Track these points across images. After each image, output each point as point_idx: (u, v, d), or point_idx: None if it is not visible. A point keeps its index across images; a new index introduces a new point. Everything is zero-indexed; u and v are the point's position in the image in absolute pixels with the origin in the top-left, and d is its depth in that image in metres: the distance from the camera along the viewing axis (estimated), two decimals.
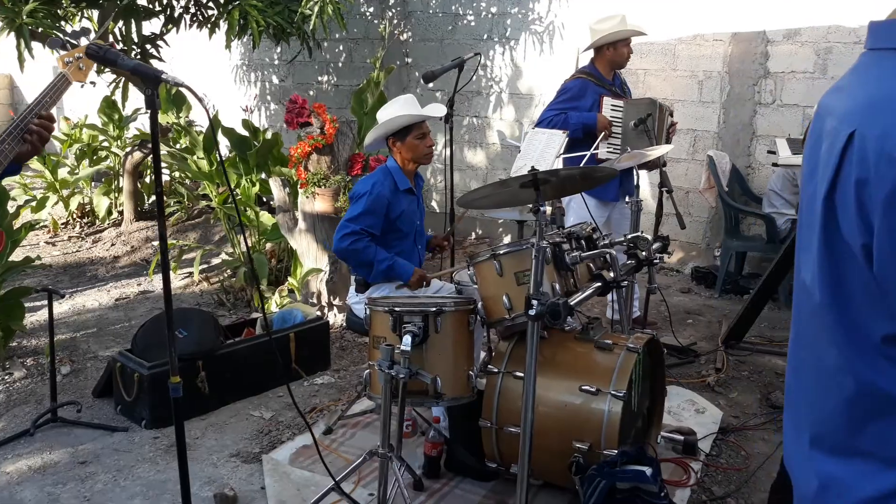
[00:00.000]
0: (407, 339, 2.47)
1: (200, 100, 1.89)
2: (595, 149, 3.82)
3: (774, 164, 3.87)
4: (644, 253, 2.84)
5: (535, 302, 2.28)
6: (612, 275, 2.66)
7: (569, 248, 2.71)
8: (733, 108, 5.83)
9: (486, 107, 6.97)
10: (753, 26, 5.61)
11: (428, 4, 7.16)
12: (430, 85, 7.21)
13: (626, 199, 4.51)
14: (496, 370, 2.80)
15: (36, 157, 1.87)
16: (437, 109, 3.33)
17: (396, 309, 2.58)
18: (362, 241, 3.14)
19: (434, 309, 2.56)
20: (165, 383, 3.56)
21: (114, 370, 3.69)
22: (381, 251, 3.20)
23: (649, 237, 2.86)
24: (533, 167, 2.32)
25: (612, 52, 4.42)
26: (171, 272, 6.13)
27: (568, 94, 4.34)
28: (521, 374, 2.76)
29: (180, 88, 1.85)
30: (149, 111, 1.78)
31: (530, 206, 2.34)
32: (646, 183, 5.81)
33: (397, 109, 3.26)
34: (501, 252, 2.65)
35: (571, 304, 2.30)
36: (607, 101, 4.28)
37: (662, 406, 3.14)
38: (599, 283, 2.57)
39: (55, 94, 1.99)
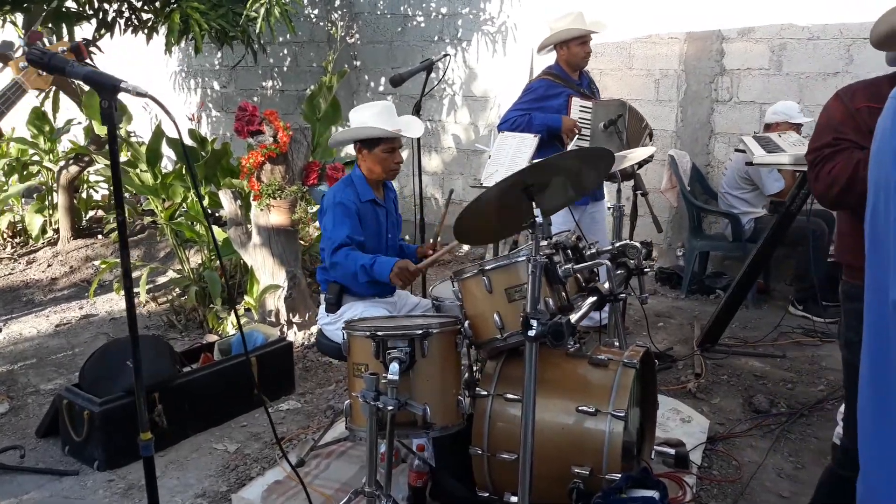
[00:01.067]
0: (394, 366, 2.27)
1: (168, 112, 1.66)
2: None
3: (749, 163, 3.81)
4: (634, 262, 2.71)
5: (534, 322, 2.11)
6: (606, 287, 2.51)
7: (558, 259, 2.55)
8: (690, 106, 5.79)
9: (440, 110, 6.79)
10: (708, 25, 5.58)
11: (375, 5, 6.95)
12: (382, 88, 7.01)
13: (595, 203, 4.43)
14: (485, 393, 2.62)
15: None
16: (415, 127, 3.14)
17: (379, 333, 2.38)
18: (344, 249, 2.92)
19: (420, 332, 2.37)
20: (119, 420, 3.30)
21: (60, 407, 3.37)
22: (361, 254, 2.97)
23: (638, 244, 2.72)
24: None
25: (565, 52, 4.29)
26: (115, 294, 5.82)
27: (533, 95, 4.20)
28: (513, 397, 2.59)
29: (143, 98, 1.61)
30: (106, 125, 1.51)
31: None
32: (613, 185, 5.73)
33: (371, 118, 3.04)
34: (490, 267, 2.47)
35: (573, 321, 2.14)
36: (576, 102, 4.15)
37: (655, 420, 3.01)
38: (595, 297, 2.41)
39: (6, 104, 1.72)
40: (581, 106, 4.16)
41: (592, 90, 4.47)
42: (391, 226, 3.23)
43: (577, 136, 4.10)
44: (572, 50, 4.20)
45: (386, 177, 3.15)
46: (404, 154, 3.84)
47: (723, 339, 4.48)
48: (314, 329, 4.80)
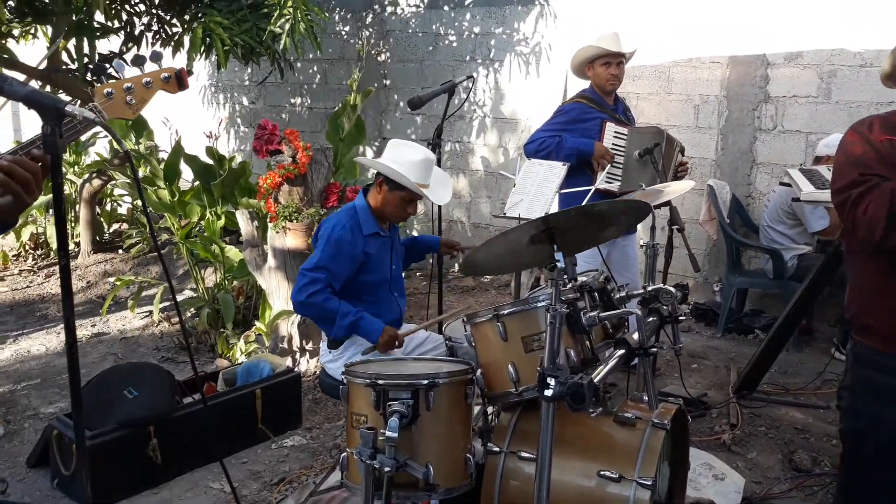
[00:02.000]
0: (393, 421, 2.03)
1: (119, 141, 1.47)
2: (597, 182, 3.43)
3: (795, 200, 3.54)
4: (668, 308, 2.44)
5: (551, 380, 1.87)
6: (636, 337, 2.25)
7: (583, 304, 2.29)
8: (732, 134, 5.50)
9: (469, 131, 6.59)
10: (752, 48, 5.30)
11: (407, 23, 6.79)
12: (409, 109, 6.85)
13: (626, 236, 4.16)
14: (497, 450, 2.37)
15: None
16: (443, 193, 2.97)
17: (380, 382, 2.15)
18: (322, 293, 2.73)
19: (426, 382, 2.13)
20: (110, 455, 3.11)
21: (50, 438, 3.20)
22: (346, 304, 2.80)
23: (673, 289, 2.46)
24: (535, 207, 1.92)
25: (591, 73, 4.05)
26: (130, 312, 5.68)
27: (565, 117, 3.96)
28: (528, 455, 2.33)
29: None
30: (49, 154, 1.27)
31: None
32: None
33: (410, 165, 2.83)
34: (506, 312, 2.23)
35: (596, 380, 1.89)
36: (610, 128, 3.90)
37: (685, 478, 2.73)
38: (623, 351, 2.16)
39: (72, 133, 1.54)
40: (616, 132, 3.91)
41: (628, 117, 4.21)
42: (395, 256, 3.03)
43: (609, 164, 3.85)
44: (596, 70, 3.95)
45: (393, 221, 2.98)
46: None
47: (761, 385, 4.16)
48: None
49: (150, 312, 5.47)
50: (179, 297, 5.85)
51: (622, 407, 2.43)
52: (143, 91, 1.93)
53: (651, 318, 2.47)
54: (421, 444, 2.15)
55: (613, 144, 3.92)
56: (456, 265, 6.56)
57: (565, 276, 1.91)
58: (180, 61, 5.88)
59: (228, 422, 3.50)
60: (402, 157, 2.86)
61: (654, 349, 2.15)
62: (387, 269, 2.93)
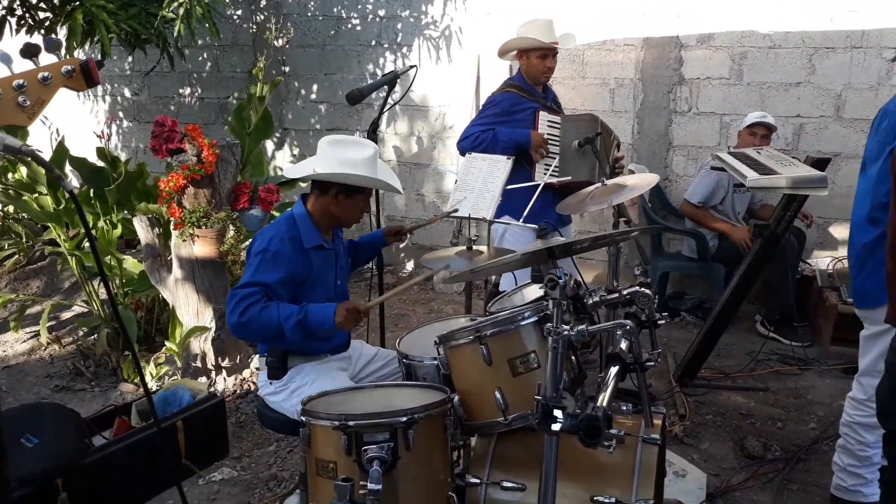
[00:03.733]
0: (375, 471, 1.77)
1: (49, 168, 1.12)
2: (542, 176, 3.24)
3: (738, 186, 3.48)
4: (646, 312, 2.28)
5: (558, 412, 1.65)
6: (623, 349, 2.07)
7: (567, 314, 2.09)
8: (648, 117, 5.48)
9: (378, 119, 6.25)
10: (666, 31, 5.28)
11: (306, 6, 6.37)
12: (314, 96, 6.44)
13: (563, 227, 4.02)
14: (477, 480, 2.15)
15: None
16: (396, 182, 2.67)
17: (351, 424, 1.87)
18: (256, 304, 2.32)
19: (404, 419, 1.88)
20: None
21: None
22: (285, 306, 2.36)
23: (650, 292, 2.30)
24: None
25: (524, 62, 3.89)
26: (13, 334, 5.05)
27: (497, 108, 3.75)
28: (511, 485, 2.12)
29: None
30: None
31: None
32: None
33: (363, 164, 2.49)
34: (489, 332, 1.99)
35: (605, 404, 1.69)
36: (543, 117, 3.73)
37: (662, 489, 2.61)
38: (617, 366, 1.97)
39: None
40: (549, 121, 3.74)
41: (558, 104, 4.06)
42: (340, 270, 2.70)
43: (546, 154, 3.68)
44: (531, 61, 3.79)
45: (347, 226, 2.66)
46: None
47: (701, 370, 4.15)
48: (246, 374, 4.22)
49: (37, 333, 4.87)
50: (66, 315, 5.27)
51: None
52: (39, 89, 1.55)
53: (627, 323, 2.30)
54: (401, 488, 1.90)
55: (548, 134, 3.75)
56: (409, 266, 6.28)
57: (561, 292, 1.69)
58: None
59: (148, 461, 3.09)
60: (350, 157, 2.52)
61: (651, 363, 1.97)
62: (331, 287, 2.61)
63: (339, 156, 2.49)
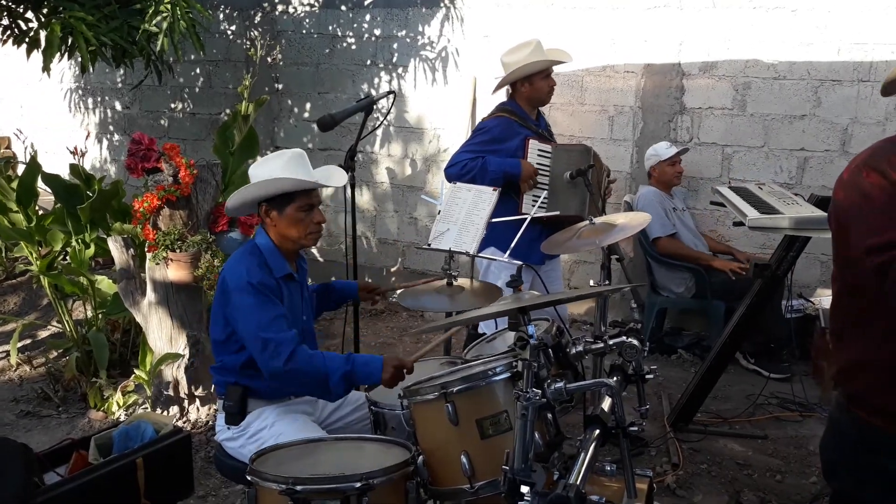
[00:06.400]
0: None
1: None
2: (530, 209, 3.07)
3: (738, 224, 3.30)
4: (633, 365, 2.09)
5: (525, 488, 1.46)
6: (605, 410, 1.88)
7: (544, 368, 1.90)
8: (647, 146, 5.29)
9: (372, 141, 6.12)
10: (668, 58, 5.13)
11: (301, 24, 6.24)
12: (308, 114, 6.30)
13: (551, 261, 3.85)
14: None
15: None
16: (337, 177, 2.47)
17: (298, 489, 1.68)
18: (301, 350, 2.18)
19: (358, 485, 1.69)
20: None
21: None
22: (330, 355, 2.22)
23: (636, 342, 2.11)
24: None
25: (528, 89, 3.73)
26: None
27: (488, 136, 3.59)
28: None
29: None
30: None
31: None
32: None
33: (280, 169, 2.35)
34: (456, 389, 1.80)
35: (578, 482, 1.50)
36: (533, 146, 3.57)
37: None
38: (598, 430, 1.78)
39: None
40: (540, 150, 3.58)
41: (549, 132, 3.90)
42: (306, 305, 2.53)
43: (534, 185, 3.52)
44: (536, 85, 3.63)
45: (304, 243, 2.45)
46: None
47: (697, 415, 3.95)
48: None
49: (7, 353, 4.69)
50: (43, 335, 5.09)
51: (588, 485, 2.07)
52: None
53: (614, 378, 2.11)
54: None
55: (538, 164, 3.59)
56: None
57: (539, 357, 1.50)
58: (36, 62, 5.11)
59: (106, 499, 2.89)
60: (268, 168, 2.37)
61: (634, 429, 1.78)
62: (299, 321, 2.43)
63: (258, 172, 2.35)
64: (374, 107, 3.04)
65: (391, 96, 3.11)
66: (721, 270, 4.61)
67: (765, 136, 4.96)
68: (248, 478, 1.82)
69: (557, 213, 3.28)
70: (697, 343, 4.98)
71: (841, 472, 1.83)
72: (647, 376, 2.12)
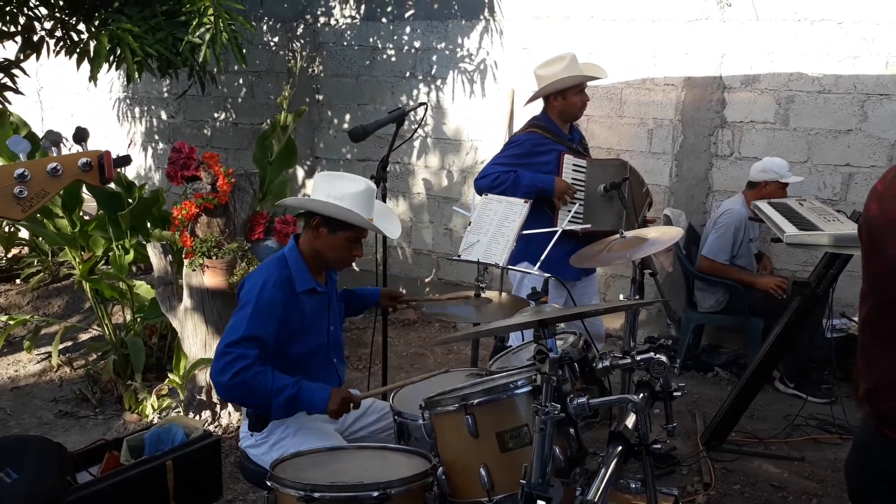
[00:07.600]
0: None
1: None
2: (563, 224, 3.05)
3: (776, 241, 3.24)
4: (660, 382, 2.06)
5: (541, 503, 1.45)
6: (629, 426, 1.85)
7: (562, 376, 1.88)
8: (687, 160, 5.24)
9: (409, 152, 6.15)
10: (708, 71, 5.06)
11: (342, 36, 6.32)
12: (347, 125, 6.36)
13: (587, 277, 3.82)
14: None
15: None
16: (393, 226, 2.59)
17: (316, 495, 1.69)
18: (250, 368, 2.21)
19: (376, 494, 1.69)
20: None
21: None
22: (280, 377, 2.27)
23: (664, 359, 2.07)
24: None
25: (560, 103, 3.70)
26: (26, 354, 5.00)
27: (520, 149, 3.58)
28: None
29: None
30: None
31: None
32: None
33: (350, 196, 2.36)
34: (476, 402, 1.80)
35: (596, 498, 1.48)
36: (569, 161, 3.54)
37: None
38: (620, 447, 1.75)
39: None
40: (575, 165, 3.55)
41: (584, 146, 3.87)
42: (333, 315, 2.54)
43: (570, 201, 3.49)
44: (570, 100, 3.61)
45: (333, 267, 2.50)
46: None
47: (731, 434, 3.86)
48: None
49: (49, 355, 4.82)
50: (84, 337, 5.21)
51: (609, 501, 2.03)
52: (44, 181, 1.45)
53: (641, 394, 2.08)
54: None
55: (573, 179, 3.57)
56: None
57: (558, 371, 1.49)
58: (86, 72, 5.27)
59: (134, 502, 2.94)
60: (339, 190, 2.39)
61: (658, 446, 1.75)
62: (324, 333, 2.45)
63: (325, 188, 2.36)
64: (408, 118, 3.04)
65: (424, 107, 3.12)
66: (763, 289, 4.51)
67: (808, 151, 4.86)
68: (268, 483, 1.83)
69: (589, 226, 3.24)
70: (735, 361, 4.87)
71: (868, 495, 1.77)
72: (675, 393, 2.08)
